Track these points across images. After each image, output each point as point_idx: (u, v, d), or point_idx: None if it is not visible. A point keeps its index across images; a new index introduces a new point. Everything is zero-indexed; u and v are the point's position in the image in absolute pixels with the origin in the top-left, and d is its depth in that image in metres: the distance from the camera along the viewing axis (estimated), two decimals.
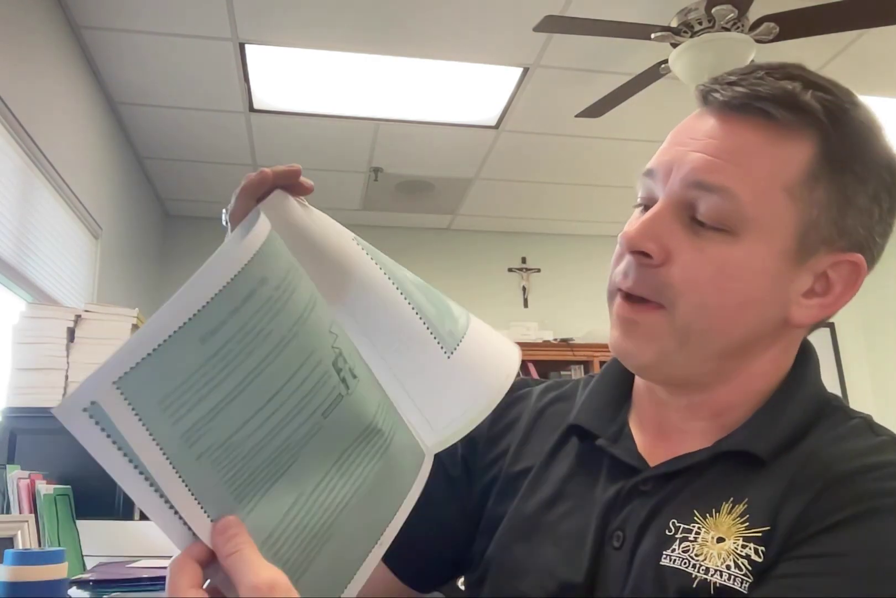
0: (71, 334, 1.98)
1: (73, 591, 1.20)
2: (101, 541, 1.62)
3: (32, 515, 1.46)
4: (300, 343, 0.50)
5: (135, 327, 2.04)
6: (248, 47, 3.05)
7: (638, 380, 0.71)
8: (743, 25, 2.63)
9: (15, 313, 2.00)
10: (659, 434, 0.66)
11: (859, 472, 0.56)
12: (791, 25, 2.61)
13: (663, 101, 3.47)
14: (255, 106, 3.52)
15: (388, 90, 3.38)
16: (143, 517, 1.95)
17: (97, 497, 1.80)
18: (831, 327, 5.37)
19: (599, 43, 2.98)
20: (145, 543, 1.62)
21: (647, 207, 0.63)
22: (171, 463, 0.47)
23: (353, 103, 3.49)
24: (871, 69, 3.26)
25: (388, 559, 0.63)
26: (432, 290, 0.65)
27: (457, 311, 0.65)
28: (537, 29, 2.67)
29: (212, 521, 0.47)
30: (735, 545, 0.56)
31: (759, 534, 0.56)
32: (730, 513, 0.57)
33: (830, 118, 0.59)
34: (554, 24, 2.66)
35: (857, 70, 3.26)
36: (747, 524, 0.56)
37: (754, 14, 2.61)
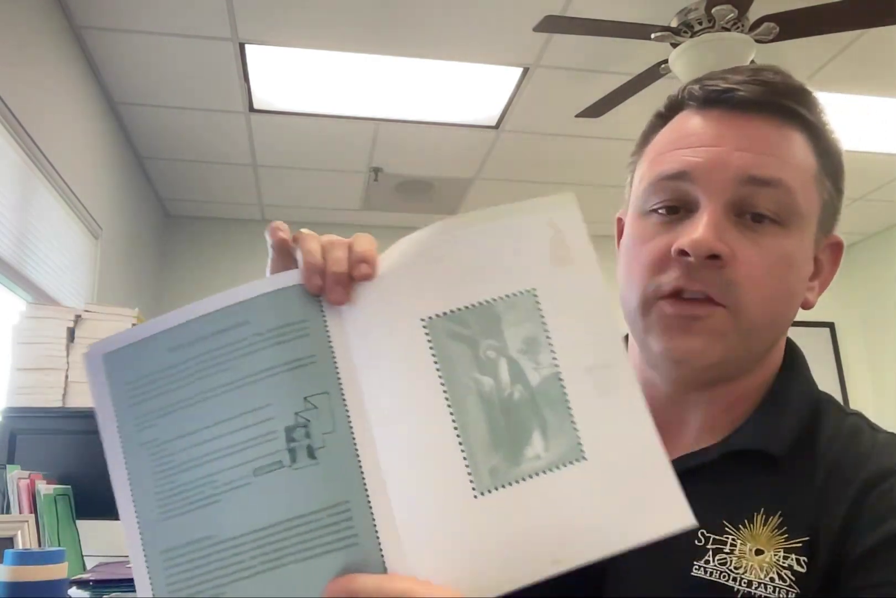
0: (71, 334, 1.98)
1: (73, 591, 1.21)
2: (101, 541, 1.62)
3: (32, 515, 1.46)
4: (257, 391, 0.52)
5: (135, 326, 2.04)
6: (248, 47, 3.05)
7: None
8: (743, 25, 2.63)
9: (15, 313, 2.00)
10: (666, 426, 0.63)
11: (889, 474, 0.56)
12: (791, 25, 2.61)
13: (663, 101, 3.47)
14: (255, 106, 3.52)
15: (388, 90, 3.39)
16: None
17: (97, 497, 1.80)
18: (831, 327, 5.37)
19: (599, 43, 2.98)
20: None
21: (672, 209, 0.62)
22: (120, 438, 0.53)
23: (353, 103, 3.49)
24: (871, 69, 3.26)
25: None
26: (521, 417, 0.51)
27: (538, 458, 0.50)
28: (537, 29, 2.68)
29: (136, 511, 0.53)
30: (777, 557, 0.55)
31: (800, 544, 0.55)
32: (765, 524, 0.57)
33: (817, 120, 0.64)
34: (554, 24, 2.66)
35: (857, 70, 3.26)
36: (787, 535, 0.56)
37: (754, 14, 2.61)
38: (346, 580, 0.48)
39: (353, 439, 0.52)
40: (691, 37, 2.68)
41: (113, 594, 1.21)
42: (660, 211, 0.63)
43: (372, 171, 4.21)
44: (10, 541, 1.35)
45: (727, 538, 0.57)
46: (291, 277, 0.55)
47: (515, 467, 0.50)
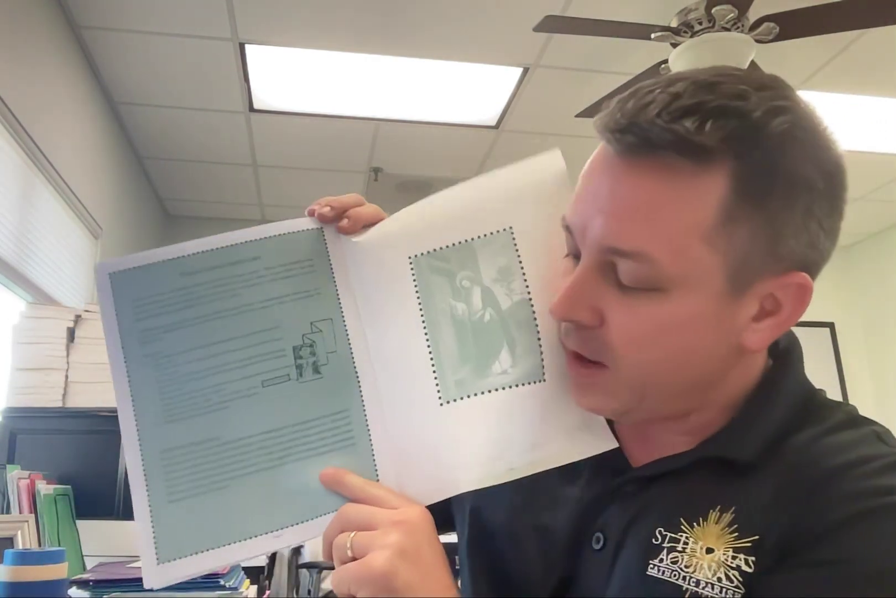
0: (71, 334, 1.98)
1: (73, 591, 1.21)
2: (101, 541, 1.62)
3: (32, 515, 1.46)
4: (266, 315, 0.61)
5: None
6: (248, 47, 3.05)
7: None
8: (743, 25, 2.63)
9: (15, 313, 2.00)
10: (638, 435, 0.65)
11: (843, 470, 0.54)
12: (791, 25, 2.61)
13: None
14: (255, 106, 3.52)
15: (388, 90, 3.38)
16: None
17: (97, 497, 1.80)
18: (831, 327, 5.37)
19: (599, 43, 2.98)
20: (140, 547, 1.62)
21: (576, 256, 0.59)
22: (123, 350, 0.61)
23: (353, 103, 3.49)
24: (871, 69, 3.26)
25: None
26: (490, 336, 0.60)
27: (505, 373, 0.59)
28: (537, 29, 2.67)
29: (135, 416, 0.60)
30: (725, 557, 0.54)
31: (749, 544, 0.54)
32: (717, 522, 0.56)
33: (737, 148, 0.52)
34: (554, 24, 2.66)
35: (857, 70, 3.26)
36: (736, 534, 0.55)
37: (754, 14, 2.60)
38: (339, 473, 0.59)
39: (353, 357, 0.62)
40: (691, 37, 2.68)
41: (113, 594, 1.21)
42: (567, 255, 0.61)
43: (372, 171, 4.21)
44: (10, 541, 1.35)
45: (681, 535, 0.57)
46: (302, 223, 0.64)
47: (481, 380, 0.59)
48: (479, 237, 0.62)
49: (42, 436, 1.88)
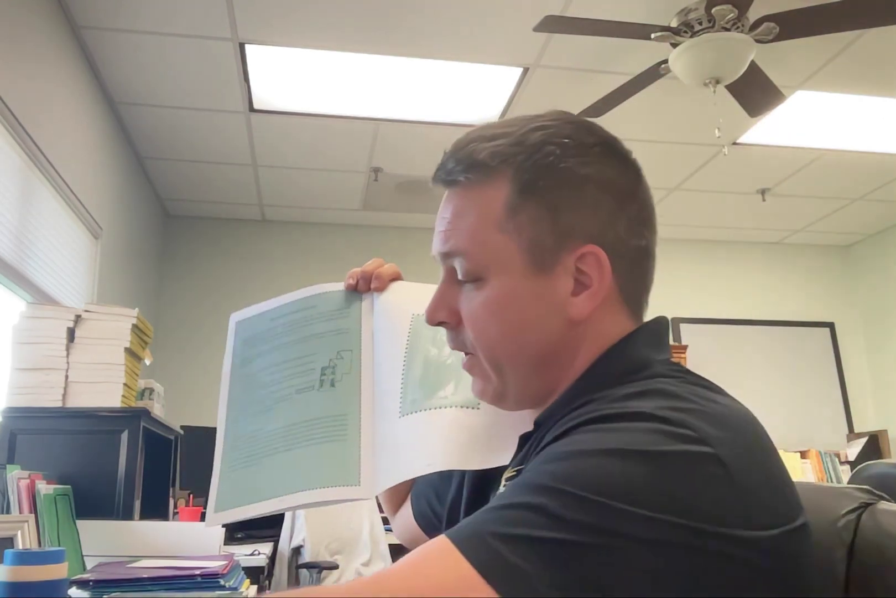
0: (71, 334, 1.98)
1: (73, 591, 1.21)
2: (101, 541, 1.62)
3: (32, 515, 1.46)
4: (311, 345, 0.87)
5: (135, 326, 2.04)
6: (248, 47, 3.05)
7: None
8: (743, 25, 2.63)
9: (15, 313, 2.00)
10: None
11: (591, 402, 0.62)
12: (791, 25, 2.61)
13: (663, 101, 3.47)
14: (255, 106, 3.52)
15: (388, 90, 3.39)
16: (144, 517, 1.95)
17: (97, 497, 1.80)
18: (831, 327, 5.37)
19: (599, 43, 2.98)
20: (145, 543, 1.62)
21: None
22: (231, 371, 0.90)
23: (353, 103, 3.50)
24: (871, 69, 3.26)
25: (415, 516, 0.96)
26: (446, 373, 0.82)
27: (445, 398, 0.80)
28: (537, 29, 2.68)
29: (227, 414, 0.88)
30: (500, 490, 0.69)
31: (514, 473, 0.69)
32: (511, 468, 0.71)
33: (504, 161, 0.70)
34: (554, 24, 2.66)
35: (857, 70, 3.26)
36: (512, 469, 0.70)
37: (754, 14, 2.61)
38: None
39: (360, 378, 0.85)
40: (691, 37, 2.68)
41: (113, 595, 1.21)
42: None
43: (372, 171, 4.21)
44: (10, 541, 1.35)
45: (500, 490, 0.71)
46: (325, 287, 0.92)
47: (428, 400, 0.80)
48: None
49: (42, 436, 1.88)
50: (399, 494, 1.04)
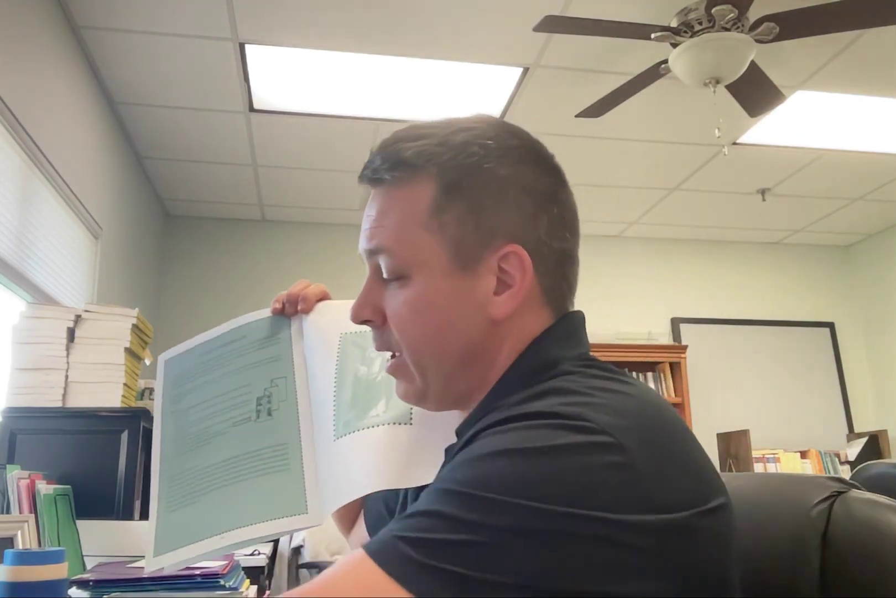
0: (71, 334, 1.98)
1: (73, 591, 1.21)
2: (101, 541, 1.62)
3: (32, 515, 1.46)
4: (244, 376, 0.86)
5: (135, 326, 2.04)
6: (248, 47, 3.05)
7: None
8: (743, 25, 2.63)
9: (15, 313, 2.00)
10: None
11: (496, 410, 0.62)
12: (791, 25, 2.61)
13: (663, 101, 3.47)
14: (255, 106, 3.52)
15: (388, 90, 3.39)
16: (144, 517, 1.95)
17: (97, 497, 1.80)
18: (831, 327, 5.37)
19: (599, 43, 2.98)
20: (145, 543, 1.62)
21: None
22: (161, 410, 0.88)
23: (353, 103, 3.49)
24: (871, 69, 3.26)
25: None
26: (376, 391, 0.81)
27: (377, 416, 0.79)
28: (537, 29, 2.68)
29: (161, 454, 0.85)
30: None
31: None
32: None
33: (428, 160, 0.71)
34: (554, 24, 2.66)
35: (857, 70, 3.26)
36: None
37: (754, 14, 2.61)
38: None
39: (297, 405, 0.83)
40: (691, 37, 2.68)
41: (113, 595, 1.21)
42: None
43: None
44: (10, 541, 1.35)
45: None
46: (259, 314, 0.91)
47: (360, 421, 0.79)
48: None
49: (42, 436, 1.88)
50: (350, 512, 1.04)
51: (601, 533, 0.51)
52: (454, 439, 0.72)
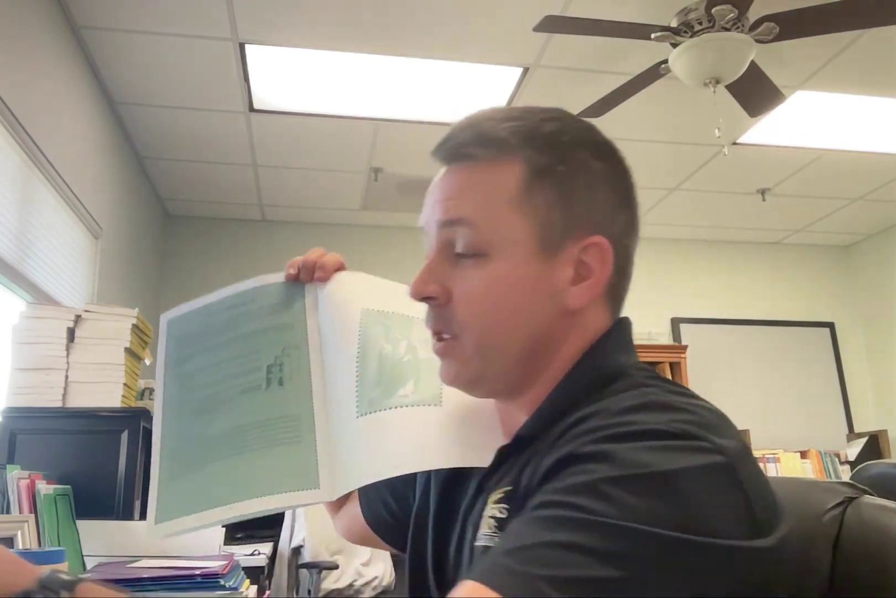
0: (71, 334, 1.98)
1: None
2: (101, 541, 1.62)
3: (32, 515, 1.46)
4: (254, 342, 0.82)
5: (135, 326, 2.04)
6: (248, 47, 3.05)
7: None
8: (743, 25, 2.63)
9: (15, 313, 2.00)
10: (510, 438, 0.72)
11: (586, 417, 0.60)
12: (791, 25, 2.61)
13: (663, 101, 3.47)
14: (255, 106, 3.52)
15: (388, 90, 3.39)
16: (143, 517, 1.95)
17: (97, 497, 1.80)
18: (831, 327, 5.37)
19: (599, 43, 2.98)
20: (145, 543, 1.62)
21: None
22: (164, 372, 0.83)
23: (353, 103, 3.49)
24: (871, 69, 3.26)
25: (367, 518, 0.94)
26: (403, 371, 0.77)
27: (405, 397, 0.75)
28: (537, 29, 2.68)
29: (163, 419, 0.81)
30: (490, 510, 0.65)
31: (502, 494, 0.65)
32: (499, 488, 0.66)
33: (524, 140, 0.69)
34: (554, 24, 2.66)
35: (857, 70, 3.26)
36: (501, 490, 0.65)
37: (754, 14, 2.61)
38: None
39: (310, 377, 0.79)
40: (691, 37, 2.68)
41: None
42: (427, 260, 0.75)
43: (372, 171, 4.21)
44: (10, 541, 1.35)
45: (487, 508, 0.67)
46: (269, 278, 0.85)
47: (387, 399, 0.75)
48: (418, 318, 0.78)
49: (42, 436, 1.88)
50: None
51: (732, 560, 0.50)
52: (484, 423, 0.72)
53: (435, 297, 0.69)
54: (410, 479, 0.85)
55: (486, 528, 0.64)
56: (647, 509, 0.50)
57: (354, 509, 0.97)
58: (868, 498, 0.71)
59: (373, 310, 0.81)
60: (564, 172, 0.69)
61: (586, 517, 0.50)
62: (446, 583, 0.72)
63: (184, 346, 0.84)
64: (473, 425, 0.74)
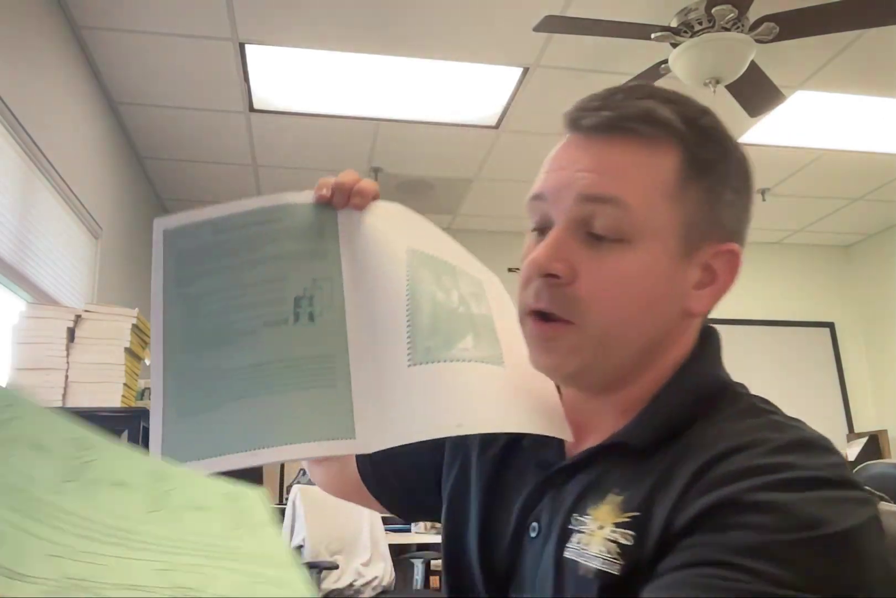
0: (71, 334, 1.98)
1: None
2: None
3: None
4: (278, 267, 0.71)
5: (135, 326, 2.04)
6: (248, 47, 3.05)
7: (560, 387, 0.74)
8: (743, 25, 2.63)
9: (15, 313, 2.00)
10: (579, 433, 0.69)
11: (731, 452, 0.56)
12: (791, 25, 2.61)
13: None
14: (255, 106, 3.52)
15: (388, 90, 3.39)
16: None
17: None
18: (831, 327, 5.37)
19: (599, 43, 2.98)
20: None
21: (542, 231, 0.66)
22: (163, 291, 0.71)
23: (353, 103, 3.49)
24: (871, 69, 3.26)
25: (370, 485, 0.86)
26: (460, 323, 0.69)
27: (466, 351, 0.68)
28: (537, 29, 2.68)
29: (164, 344, 0.69)
30: (608, 532, 0.59)
31: (629, 519, 0.58)
32: (611, 503, 0.60)
33: (687, 127, 0.64)
34: (554, 24, 2.66)
35: (857, 70, 3.26)
36: (621, 511, 0.60)
37: (754, 14, 2.61)
38: None
39: (345, 314, 0.70)
40: (691, 37, 2.68)
41: None
42: (533, 230, 0.68)
43: (372, 171, 4.21)
44: None
45: (586, 518, 0.61)
46: (299, 196, 0.76)
47: (447, 351, 0.67)
48: (461, 269, 0.75)
49: None
50: None
51: None
52: (548, 395, 0.68)
53: (560, 276, 0.62)
54: (438, 448, 0.80)
55: (598, 546, 0.59)
56: (830, 575, 0.49)
57: (349, 463, 0.89)
58: (885, 505, 0.69)
59: (419, 251, 0.72)
60: (722, 171, 0.65)
61: (774, 593, 0.48)
62: (497, 576, 0.68)
63: (188, 263, 0.72)
64: (538, 394, 0.68)
